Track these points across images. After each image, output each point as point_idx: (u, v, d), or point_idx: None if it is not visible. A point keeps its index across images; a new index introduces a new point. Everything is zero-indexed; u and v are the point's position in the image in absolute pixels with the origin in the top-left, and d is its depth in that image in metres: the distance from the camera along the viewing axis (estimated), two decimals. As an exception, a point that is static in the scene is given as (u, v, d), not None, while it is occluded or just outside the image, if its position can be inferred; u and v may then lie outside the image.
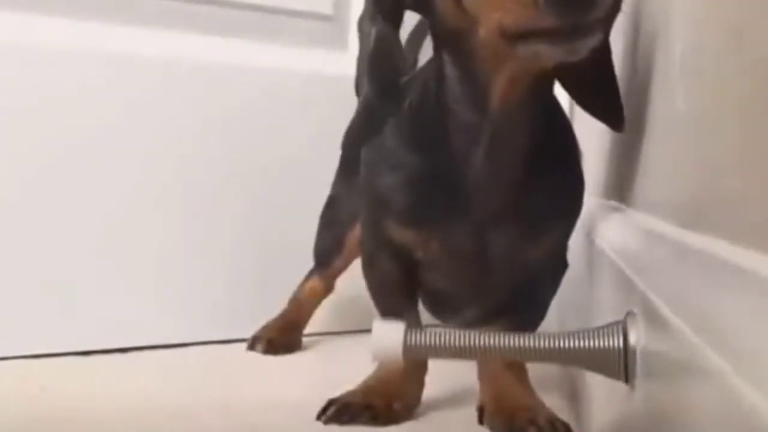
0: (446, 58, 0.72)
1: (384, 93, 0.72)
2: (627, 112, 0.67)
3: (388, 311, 0.83)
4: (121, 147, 1.04)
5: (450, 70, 0.73)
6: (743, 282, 0.26)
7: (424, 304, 0.88)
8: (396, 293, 0.83)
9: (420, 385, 0.81)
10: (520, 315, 0.81)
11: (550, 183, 0.75)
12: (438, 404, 0.84)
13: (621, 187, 0.70)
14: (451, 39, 0.70)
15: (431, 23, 0.72)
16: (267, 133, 1.14)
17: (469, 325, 0.85)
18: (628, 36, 0.70)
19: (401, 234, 0.78)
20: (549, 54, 0.58)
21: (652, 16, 0.54)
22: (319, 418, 0.76)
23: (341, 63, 1.14)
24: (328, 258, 1.09)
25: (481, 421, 0.78)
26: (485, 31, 0.61)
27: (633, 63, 0.66)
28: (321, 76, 1.15)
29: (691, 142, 0.38)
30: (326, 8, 1.19)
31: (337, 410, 0.76)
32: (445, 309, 0.87)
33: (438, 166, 0.74)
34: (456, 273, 0.80)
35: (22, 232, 0.98)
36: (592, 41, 0.55)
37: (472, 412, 0.79)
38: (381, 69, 0.71)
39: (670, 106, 0.44)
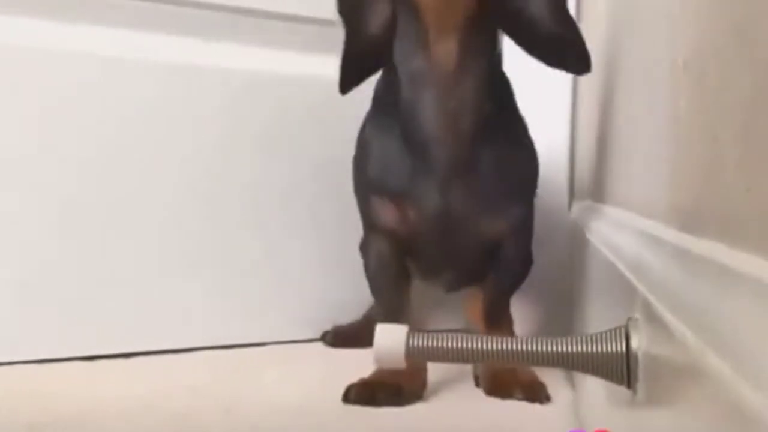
0: (397, 8, 0.78)
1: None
2: (627, 113, 0.67)
3: (387, 302, 0.88)
4: (122, 148, 1.04)
5: (400, 24, 0.78)
6: (745, 286, 0.26)
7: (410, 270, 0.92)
8: (392, 281, 0.88)
9: (424, 370, 0.86)
10: (493, 278, 0.88)
11: (502, 141, 0.81)
12: (444, 386, 0.88)
13: (620, 190, 0.69)
14: None
15: None
16: (274, 138, 1.14)
17: (450, 287, 0.94)
18: (625, 36, 0.70)
19: (383, 211, 0.84)
20: None
21: (652, 14, 0.54)
22: (344, 401, 0.81)
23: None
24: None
25: (477, 384, 0.88)
26: None
27: (631, 63, 0.66)
28: (325, 80, 1.16)
29: (692, 144, 0.38)
30: (329, 13, 1.19)
31: (357, 391, 0.81)
32: (427, 274, 0.91)
33: (396, 128, 0.80)
34: (429, 236, 0.84)
35: (24, 237, 0.98)
36: None
37: (476, 394, 0.86)
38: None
39: (671, 108, 0.44)
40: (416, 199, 0.81)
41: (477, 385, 0.89)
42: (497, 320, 0.89)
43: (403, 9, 0.78)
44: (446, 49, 0.76)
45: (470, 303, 0.92)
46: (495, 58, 0.83)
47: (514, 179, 0.84)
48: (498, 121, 0.81)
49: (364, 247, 0.92)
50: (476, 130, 0.79)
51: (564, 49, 0.75)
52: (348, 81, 0.80)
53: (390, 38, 0.79)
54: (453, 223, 0.82)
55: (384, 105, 0.84)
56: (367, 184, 0.86)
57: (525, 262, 0.91)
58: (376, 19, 0.79)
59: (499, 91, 0.83)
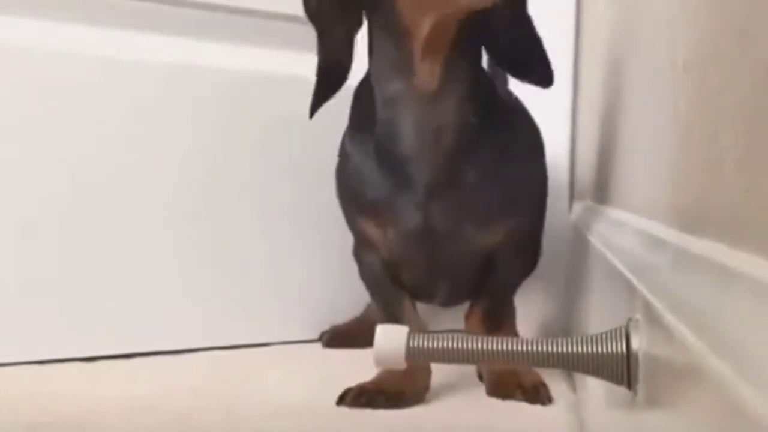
0: (374, 30, 0.77)
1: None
2: (627, 114, 0.67)
3: (381, 304, 0.88)
4: (122, 148, 1.04)
5: (376, 42, 0.77)
6: (745, 286, 0.26)
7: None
8: (388, 288, 0.87)
9: (427, 371, 0.85)
10: (490, 288, 0.88)
11: (491, 153, 0.79)
12: (445, 389, 0.88)
13: (620, 191, 0.69)
14: (372, 3, 0.75)
15: None
16: (275, 139, 1.14)
17: (446, 303, 0.94)
18: (625, 37, 0.70)
19: (366, 227, 0.84)
20: None
21: (652, 15, 0.54)
22: (338, 404, 0.80)
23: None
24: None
25: (480, 378, 0.89)
26: None
27: (631, 64, 0.66)
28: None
29: (692, 144, 0.38)
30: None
31: (354, 396, 0.80)
32: (417, 292, 0.90)
33: (373, 144, 0.79)
34: (411, 254, 0.83)
35: (25, 237, 0.98)
36: None
37: (478, 396, 0.85)
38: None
39: (671, 108, 0.44)
40: (394, 218, 0.81)
41: (481, 379, 0.89)
42: (497, 326, 0.89)
43: (383, 32, 0.76)
44: (430, 72, 0.75)
45: (468, 312, 0.91)
46: (480, 73, 0.81)
47: (505, 191, 0.82)
48: (486, 134, 0.79)
49: (357, 256, 0.91)
50: (458, 147, 0.78)
51: (529, 64, 0.77)
52: (317, 101, 0.80)
53: (351, 53, 0.78)
54: (436, 241, 0.81)
55: (361, 121, 0.83)
56: (348, 199, 0.86)
57: (524, 269, 0.91)
58: (342, 28, 0.78)
59: (488, 105, 0.80)
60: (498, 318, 0.89)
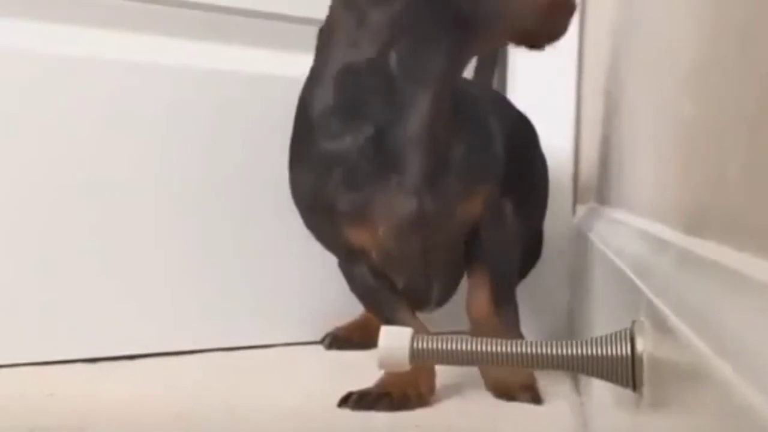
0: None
1: None
2: (632, 116, 0.67)
3: (384, 314, 0.87)
4: (123, 148, 1.04)
5: (355, 33, 0.80)
6: (750, 289, 0.26)
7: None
8: (384, 295, 0.87)
9: (432, 373, 0.84)
10: (480, 264, 0.89)
11: (469, 144, 0.84)
12: (450, 391, 0.87)
13: (625, 193, 0.69)
14: None
15: None
16: (279, 142, 1.13)
17: (438, 304, 0.95)
18: (630, 39, 0.70)
19: (353, 235, 0.83)
20: None
21: (657, 18, 0.54)
22: (340, 406, 0.80)
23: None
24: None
25: None
26: None
27: (636, 66, 0.66)
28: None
29: (697, 147, 0.38)
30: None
31: (356, 399, 0.80)
32: (413, 295, 0.90)
33: (367, 136, 0.79)
34: (407, 248, 0.84)
35: (28, 239, 0.98)
36: None
37: (482, 398, 0.85)
38: None
39: (676, 111, 0.44)
40: (387, 211, 0.81)
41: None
42: (501, 305, 0.88)
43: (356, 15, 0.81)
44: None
45: (469, 298, 0.90)
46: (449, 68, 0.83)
47: (481, 161, 0.86)
48: (458, 118, 0.83)
49: (345, 271, 0.91)
50: (437, 134, 0.81)
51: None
52: None
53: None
54: (428, 224, 0.82)
55: (346, 114, 0.82)
56: (324, 214, 0.84)
57: (508, 242, 0.91)
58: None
59: (464, 96, 0.86)
60: (501, 297, 0.88)
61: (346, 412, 0.80)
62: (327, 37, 0.83)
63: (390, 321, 0.85)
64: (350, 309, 1.14)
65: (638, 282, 0.42)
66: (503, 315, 0.88)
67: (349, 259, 0.88)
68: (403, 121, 0.79)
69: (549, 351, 0.45)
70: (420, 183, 0.80)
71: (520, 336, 0.90)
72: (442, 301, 0.96)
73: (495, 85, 1.20)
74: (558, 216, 1.19)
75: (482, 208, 0.86)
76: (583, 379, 0.82)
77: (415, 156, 0.80)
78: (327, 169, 0.82)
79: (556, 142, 1.19)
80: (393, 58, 0.78)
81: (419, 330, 0.79)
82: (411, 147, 0.79)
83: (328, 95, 0.82)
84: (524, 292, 0.96)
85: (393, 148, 0.79)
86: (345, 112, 0.81)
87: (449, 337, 0.47)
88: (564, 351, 0.44)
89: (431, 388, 0.84)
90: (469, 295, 0.90)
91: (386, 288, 0.87)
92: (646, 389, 0.39)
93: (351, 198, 0.81)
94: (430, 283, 0.90)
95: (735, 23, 0.32)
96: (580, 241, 0.93)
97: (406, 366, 0.48)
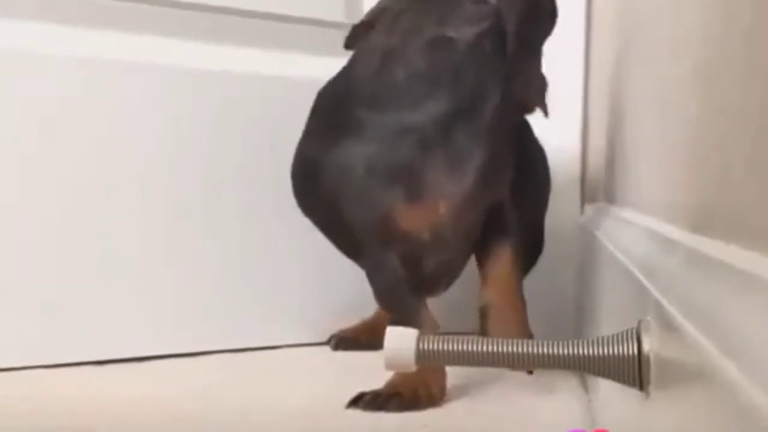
0: None
1: None
2: (638, 116, 0.67)
3: (402, 312, 0.86)
4: (123, 149, 1.04)
5: None
6: (757, 288, 0.26)
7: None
8: (407, 295, 0.86)
9: (442, 373, 0.84)
10: (501, 243, 0.89)
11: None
12: (460, 391, 0.87)
13: (632, 192, 0.69)
14: None
15: None
16: (280, 142, 1.13)
17: (446, 287, 0.95)
18: (636, 38, 0.70)
19: (408, 213, 0.81)
20: None
21: (663, 18, 0.54)
22: (350, 406, 0.80)
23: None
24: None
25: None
26: None
27: (642, 66, 0.66)
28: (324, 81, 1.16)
29: (703, 146, 0.38)
30: (338, 16, 1.19)
31: (367, 400, 0.80)
32: (432, 281, 0.91)
33: (438, 112, 0.81)
34: (460, 232, 0.85)
35: (32, 241, 0.98)
36: None
37: (494, 400, 0.85)
38: None
39: (682, 110, 0.44)
40: (448, 189, 0.82)
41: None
42: (519, 284, 0.89)
43: None
44: None
45: (491, 274, 0.89)
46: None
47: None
48: None
49: (375, 262, 0.87)
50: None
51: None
52: None
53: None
54: (479, 203, 0.85)
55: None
56: (380, 187, 0.81)
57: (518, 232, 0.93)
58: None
59: None
60: (518, 275, 0.90)
61: (355, 413, 0.80)
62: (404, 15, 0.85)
63: (411, 316, 0.83)
64: (356, 310, 1.14)
65: (645, 281, 0.42)
66: (521, 298, 0.89)
67: (384, 248, 0.84)
68: (479, 103, 0.81)
69: (555, 351, 0.45)
70: (478, 162, 0.81)
71: (529, 333, 0.90)
72: (449, 284, 0.97)
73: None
74: (566, 215, 1.19)
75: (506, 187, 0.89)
76: (591, 378, 0.82)
77: (481, 141, 0.81)
78: (396, 140, 0.81)
79: (563, 141, 1.19)
80: (487, 42, 0.81)
81: (432, 331, 0.79)
82: (481, 132, 0.81)
83: (416, 63, 0.82)
84: (532, 290, 0.96)
85: (462, 128, 0.81)
86: (432, 83, 0.82)
87: (455, 337, 0.47)
88: (571, 351, 0.44)
89: (442, 389, 0.84)
90: (489, 271, 0.88)
91: (409, 283, 0.86)
92: (652, 389, 0.39)
93: (415, 173, 0.81)
94: (455, 264, 0.91)
95: (741, 23, 0.32)
96: (588, 240, 0.93)
97: (412, 367, 0.48)
